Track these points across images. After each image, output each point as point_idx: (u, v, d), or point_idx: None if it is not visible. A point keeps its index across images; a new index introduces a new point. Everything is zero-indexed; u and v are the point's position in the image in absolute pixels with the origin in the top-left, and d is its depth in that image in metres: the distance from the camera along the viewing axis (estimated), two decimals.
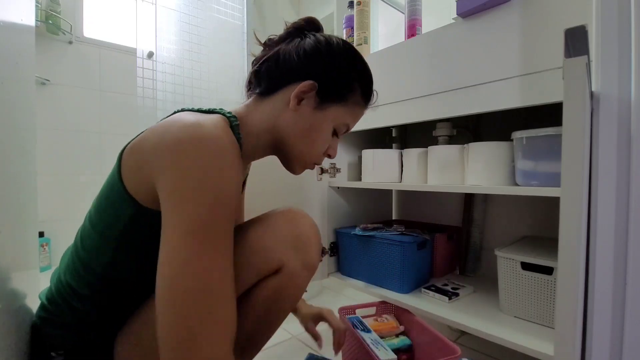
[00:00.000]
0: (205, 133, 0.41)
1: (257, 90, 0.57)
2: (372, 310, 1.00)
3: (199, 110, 0.50)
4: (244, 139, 0.53)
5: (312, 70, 0.53)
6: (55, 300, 0.51)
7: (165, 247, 0.39)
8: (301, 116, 0.54)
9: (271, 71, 0.55)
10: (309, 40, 0.54)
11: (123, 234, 0.47)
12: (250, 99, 0.58)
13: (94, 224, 0.49)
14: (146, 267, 0.50)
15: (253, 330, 0.55)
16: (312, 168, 0.61)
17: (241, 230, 0.57)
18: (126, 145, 0.48)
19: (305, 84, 0.52)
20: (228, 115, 0.51)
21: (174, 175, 0.40)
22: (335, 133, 0.58)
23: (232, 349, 0.40)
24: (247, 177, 0.71)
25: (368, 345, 0.78)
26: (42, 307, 0.53)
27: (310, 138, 0.55)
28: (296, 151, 0.56)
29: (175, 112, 0.50)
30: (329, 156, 0.61)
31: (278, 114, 0.54)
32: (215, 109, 0.52)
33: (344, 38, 1.17)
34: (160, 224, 0.42)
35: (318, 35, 0.56)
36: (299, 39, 0.55)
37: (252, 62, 0.59)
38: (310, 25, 0.58)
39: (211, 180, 0.40)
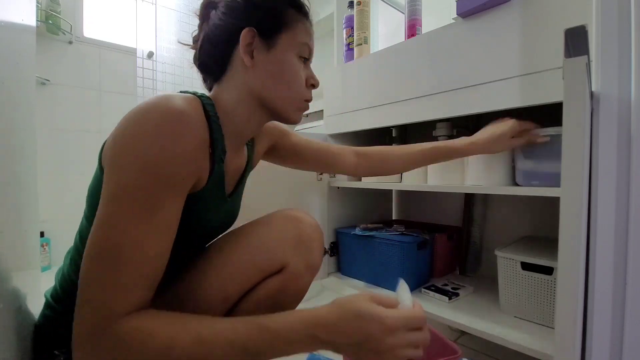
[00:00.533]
0: (158, 103, 0.42)
1: (213, 78, 0.56)
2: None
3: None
4: (222, 118, 0.52)
5: (241, 21, 0.52)
6: (60, 298, 0.52)
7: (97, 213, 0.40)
8: (262, 66, 0.52)
9: (210, 52, 0.55)
10: (221, 4, 0.54)
11: None
12: (212, 90, 0.57)
13: (88, 217, 0.50)
14: None
15: None
16: (307, 107, 0.59)
17: (246, 230, 0.57)
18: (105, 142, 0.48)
19: (244, 34, 0.51)
20: (200, 95, 0.51)
21: (114, 143, 0.41)
22: (302, 59, 0.56)
23: (144, 306, 0.40)
24: (250, 160, 0.67)
25: None
26: (47, 305, 0.53)
27: (283, 78, 0.54)
28: (280, 99, 0.54)
29: None
30: (313, 86, 0.58)
31: (242, 81, 0.53)
32: (189, 91, 0.52)
33: (344, 38, 1.18)
34: None
35: None
36: (213, 10, 0.55)
37: (194, 62, 0.59)
38: None
39: (143, 148, 0.40)
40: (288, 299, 0.56)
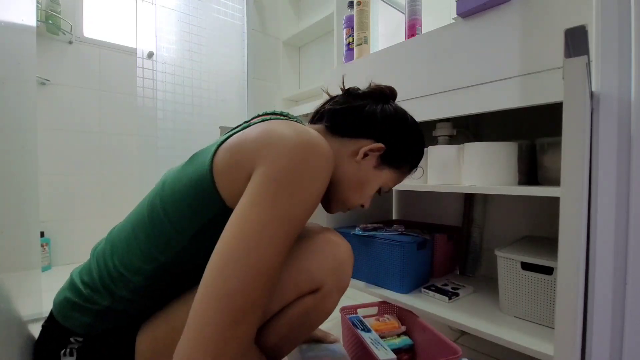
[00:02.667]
0: (314, 137, 0.46)
1: (327, 124, 0.62)
2: (374, 310, 1.00)
3: (296, 120, 0.57)
4: None
5: (385, 135, 0.60)
6: (94, 286, 0.51)
7: (239, 218, 0.42)
8: (360, 169, 0.60)
9: (351, 118, 0.61)
10: (391, 108, 0.62)
11: (203, 229, 0.48)
12: (317, 126, 0.63)
13: (172, 219, 0.49)
14: (204, 262, 0.50)
15: (280, 342, 0.58)
16: (345, 212, 0.67)
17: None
18: (220, 144, 0.50)
19: (378, 145, 0.58)
20: None
21: (278, 162, 0.43)
22: (378, 190, 0.65)
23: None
24: None
25: (368, 345, 0.78)
26: (73, 288, 0.52)
27: (360, 190, 0.61)
28: (344, 196, 0.62)
29: (266, 118, 0.56)
30: (362, 206, 0.66)
31: (342, 157, 0.60)
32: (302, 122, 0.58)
33: (344, 38, 1.18)
34: None
35: (398, 106, 0.64)
36: (383, 104, 0.62)
37: (332, 101, 0.65)
38: (392, 95, 0.66)
39: (311, 178, 0.44)
40: (317, 317, 0.59)
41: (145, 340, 0.51)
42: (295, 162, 0.43)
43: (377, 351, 0.76)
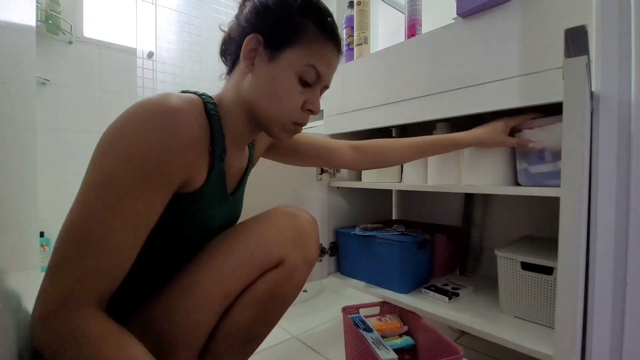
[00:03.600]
0: (153, 100, 0.43)
1: (226, 72, 0.58)
2: (376, 310, 1.00)
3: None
4: (223, 119, 0.53)
5: (253, 27, 0.51)
6: None
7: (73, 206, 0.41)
8: (258, 75, 0.51)
9: (227, 48, 0.56)
10: (249, 3, 0.53)
11: None
12: (223, 86, 0.58)
13: None
14: (156, 249, 0.50)
15: (252, 323, 0.56)
16: (297, 130, 0.56)
17: (244, 226, 0.58)
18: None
19: (248, 39, 0.50)
20: (201, 94, 0.52)
21: (104, 133, 0.42)
22: (304, 83, 0.52)
23: (101, 302, 0.41)
24: (251, 160, 0.67)
25: (369, 345, 0.78)
26: None
27: (274, 94, 0.51)
28: (267, 113, 0.52)
29: None
30: (311, 112, 0.55)
31: (240, 84, 0.53)
32: (191, 91, 0.52)
33: (344, 38, 1.18)
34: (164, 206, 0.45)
35: None
36: (243, 8, 0.55)
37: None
38: None
39: (128, 140, 0.40)
40: (288, 292, 0.57)
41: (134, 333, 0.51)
42: (113, 131, 0.42)
43: (379, 351, 0.76)
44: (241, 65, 0.52)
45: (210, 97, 0.53)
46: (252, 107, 0.53)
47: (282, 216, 0.58)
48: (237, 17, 0.56)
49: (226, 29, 0.60)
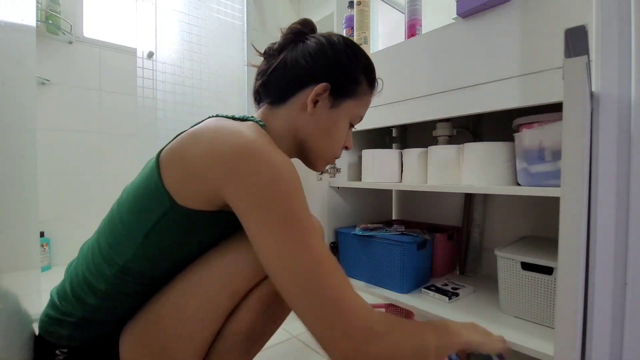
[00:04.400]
0: (261, 140, 0.45)
1: (269, 100, 0.59)
2: (381, 312, 0.99)
3: (232, 118, 0.53)
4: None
5: (321, 72, 0.55)
6: (66, 296, 0.51)
7: (264, 248, 0.42)
8: (319, 117, 0.57)
9: (280, 80, 0.57)
10: (311, 43, 0.57)
11: (153, 228, 0.48)
12: (262, 109, 0.60)
13: (122, 215, 0.50)
14: (166, 262, 0.51)
15: (258, 323, 0.56)
16: (333, 163, 0.66)
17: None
18: (161, 150, 0.49)
19: (320, 86, 0.54)
20: (258, 121, 0.54)
21: (245, 181, 0.43)
22: (350, 125, 0.62)
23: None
24: None
25: None
26: (51, 304, 0.53)
27: (330, 136, 0.59)
28: (318, 150, 0.60)
29: (208, 118, 0.53)
30: (346, 148, 0.64)
31: (295, 119, 0.57)
32: (245, 117, 0.54)
33: None
34: (194, 221, 0.48)
35: (318, 36, 0.58)
36: (301, 43, 0.57)
37: (258, 74, 0.61)
38: (307, 27, 0.60)
39: (280, 177, 0.43)
40: None
41: (128, 345, 0.51)
42: (257, 173, 0.43)
43: None
44: (299, 103, 0.56)
45: (262, 123, 0.55)
46: (305, 142, 0.59)
47: None
48: (292, 50, 0.57)
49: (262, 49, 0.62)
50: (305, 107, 0.56)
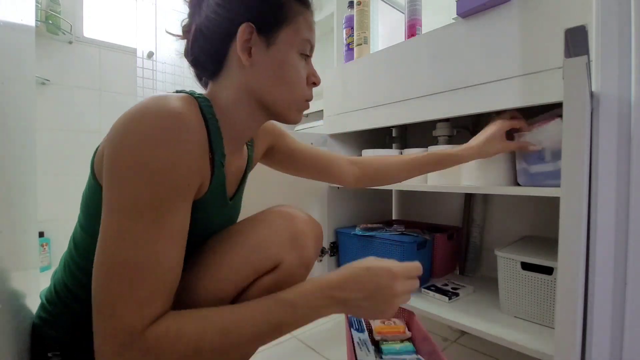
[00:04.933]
0: (153, 106, 0.40)
1: (207, 75, 0.53)
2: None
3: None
4: (220, 119, 0.51)
5: (237, 17, 0.48)
6: (54, 300, 0.52)
7: (100, 224, 0.39)
8: (261, 64, 0.49)
9: (204, 49, 0.51)
10: None
11: None
12: (208, 89, 0.54)
13: (82, 225, 0.49)
14: None
15: None
16: (307, 107, 0.56)
17: (239, 228, 0.56)
18: (100, 145, 0.47)
19: (242, 31, 0.47)
20: (197, 95, 0.49)
21: (111, 152, 0.39)
22: (304, 56, 0.53)
23: (168, 309, 0.40)
24: (250, 161, 0.66)
25: (353, 345, 0.77)
26: (41, 307, 0.53)
27: (285, 78, 0.51)
28: (280, 101, 0.52)
29: None
30: (315, 84, 0.56)
31: (240, 79, 0.50)
32: (184, 90, 0.50)
33: (344, 38, 1.18)
34: None
35: None
36: (206, 1, 0.50)
37: (185, 57, 0.55)
38: None
39: (145, 157, 0.38)
40: None
41: None
42: (125, 146, 0.38)
43: (360, 351, 0.75)
44: (234, 61, 0.49)
45: (205, 97, 0.50)
46: (262, 97, 0.51)
47: (277, 217, 0.56)
48: (200, 12, 0.51)
49: (177, 31, 0.55)
50: (240, 62, 0.49)
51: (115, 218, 0.38)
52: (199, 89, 0.56)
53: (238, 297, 0.53)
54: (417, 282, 0.53)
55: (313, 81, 0.55)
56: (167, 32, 0.58)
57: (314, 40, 0.54)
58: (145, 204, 0.38)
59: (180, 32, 0.54)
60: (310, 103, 0.57)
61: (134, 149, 0.38)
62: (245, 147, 0.63)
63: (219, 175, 0.50)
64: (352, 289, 0.47)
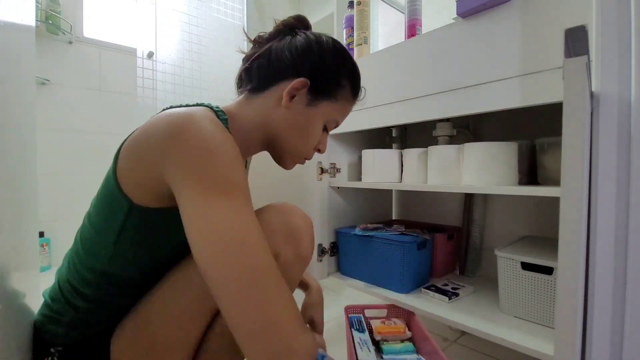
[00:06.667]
0: (197, 116, 0.43)
1: (248, 87, 0.57)
2: (383, 312, 0.98)
3: (187, 106, 0.51)
4: (233, 134, 0.53)
5: (304, 68, 0.54)
6: (57, 298, 0.52)
7: (192, 219, 0.39)
8: (293, 113, 0.55)
9: (262, 68, 0.56)
10: (300, 38, 0.56)
11: (120, 231, 0.47)
12: (241, 96, 0.58)
13: (92, 223, 0.50)
14: (142, 264, 0.51)
15: None
16: (303, 163, 0.62)
17: None
18: (121, 146, 0.49)
19: (298, 81, 0.53)
20: (216, 109, 0.52)
21: (178, 154, 0.41)
22: (325, 128, 0.60)
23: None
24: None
25: (353, 344, 0.77)
26: (45, 304, 0.54)
27: (302, 134, 0.56)
28: (289, 147, 0.57)
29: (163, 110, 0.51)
30: (319, 151, 0.62)
31: (270, 111, 0.55)
32: (203, 103, 0.52)
33: (344, 38, 1.18)
34: (154, 220, 0.46)
35: (308, 33, 0.57)
36: (290, 37, 0.56)
37: (243, 60, 0.60)
38: (300, 23, 0.59)
39: (212, 146, 0.41)
40: None
41: (119, 345, 0.52)
42: (190, 145, 0.41)
43: (360, 351, 0.75)
44: (276, 95, 0.54)
45: (220, 109, 0.53)
46: (276, 137, 0.57)
47: (272, 212, 0.57)
48: (280, 41, 0.56)
49: (252, 36, 0.60)
50: (281, 100, 0.54)
51: (205, 203, 0.39)
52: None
53: None
54: None
55: (319, 148, 0.62)
56: (243, 30, 0.68)
57: (341, 122, 0.62)
58: (225, 185, 0.40)
59: (250, 38, 0.61)
60: None
61: (202, 140, 0.41)
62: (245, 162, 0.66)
63: None
64: None
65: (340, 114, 0.59)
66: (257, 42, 0.59)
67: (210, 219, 0.39)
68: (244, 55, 0.60)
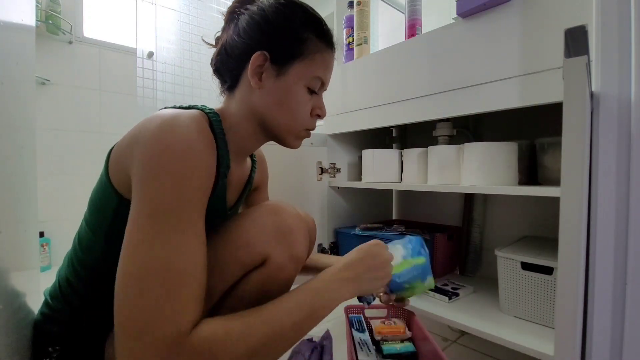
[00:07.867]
0: (177, 124, 0.43)
1: (225, 87, 0.58)
2: (383, 312, 0.98)
3: (180, 107, 0.50)
4: (227, 133, 0.54)
5: (257, 42, 0.52)
6: (56, 296, 0.53)
7: (126, 231, 0.39)
8: (268, 90, 0.53)
9: (225, 63, 0.56)
10: (243, 17, 0.54)
11: (111, 226, 0.48)
12: (224, 98, 0.59)
13: (87, 220, 0.51)
14: None
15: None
16: (308, 135, 0.60)
17: (228, 225, 0.56)
18: (116, 143, 0.49)
19: (255, 57, 0.51)
20: (207, 111, 0.52)
21: (139, 163, 0.41)
22: (311, 91, 0.56)
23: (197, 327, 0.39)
24: (253, 173, 0.69)
25: (353, 345, 0.77)
26: (44, 303, 0.54)
27: (286, 107, 0.54)
28: (280, 124, 0.55)
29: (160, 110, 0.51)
30: (319, 117, 0.59)
31: (249, 99, 0.54)
32: (197, 105, 0.52)
33: (344, 38, 1.18)
34: None
35: (249, 6, 0.55)
36: (236, 20, 0.55)
37: (210, 64, 0.60)
38: (242, 2, 0.56)
39: (171, 166, 0.40)
40: (273, 292, 0.53)
41: (111, 345, 0.51)
42: (152, 157, 0.40)
43: (360, 352, 0.75)
44: (247, 81, 0.53)
45: (213, 110, 0.53)
46: (264, 120, 0.55)
47: (265, 212, 0.56)
48: (229, 30, 0.56)
49: (212, 41, 0.60)
50: (250, 85, 0.53)
51: (148, 222, 0.38)
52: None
53: (228, 293, 0.53)
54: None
55: (317, 114, 0.58)
56: (203, 39, 0.64)
57: (328, 78, 0.58)
58: (178, 206, 0.39)
59: (212, 42, 0.60)
60: None
61: (160, 160, 0.40)
62: (249, 160, 0.67)
63: (221, 185, 0.53)
64: (356, 267, 0.54)
65: (317, 68, 0.55)
66: (216, 42, 0.59)
67: (136, 241, 0.38)
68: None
